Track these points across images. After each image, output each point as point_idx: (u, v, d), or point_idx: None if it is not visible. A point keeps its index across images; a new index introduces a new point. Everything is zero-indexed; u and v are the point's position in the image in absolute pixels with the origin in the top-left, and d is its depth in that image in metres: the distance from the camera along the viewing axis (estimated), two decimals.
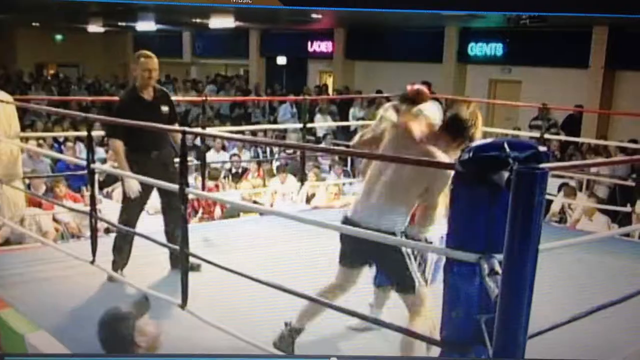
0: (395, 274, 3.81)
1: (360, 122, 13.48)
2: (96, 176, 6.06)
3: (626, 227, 6.79)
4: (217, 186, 9.14)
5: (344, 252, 4.05)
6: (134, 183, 5.38)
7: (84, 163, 5.62)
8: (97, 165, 5.87)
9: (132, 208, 5.58)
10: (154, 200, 8.11)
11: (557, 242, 3.36)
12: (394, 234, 3.70)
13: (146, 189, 5.47)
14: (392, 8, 6.47)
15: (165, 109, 5.68)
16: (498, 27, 15.14)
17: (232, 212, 8.19)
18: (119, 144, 5.40)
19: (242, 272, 4.81)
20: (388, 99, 14.26)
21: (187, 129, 4.48)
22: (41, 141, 10.56)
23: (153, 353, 3.16)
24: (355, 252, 3.97)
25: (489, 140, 2.77)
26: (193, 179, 8.72)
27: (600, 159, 9.45)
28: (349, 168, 11.08)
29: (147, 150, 5.47)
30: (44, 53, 22.57)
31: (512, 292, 2.47)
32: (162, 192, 5.55)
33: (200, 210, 8.56)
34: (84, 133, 5.94)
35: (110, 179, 9.11)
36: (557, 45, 14.17)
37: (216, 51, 21.33)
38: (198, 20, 17.20)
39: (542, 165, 2.42)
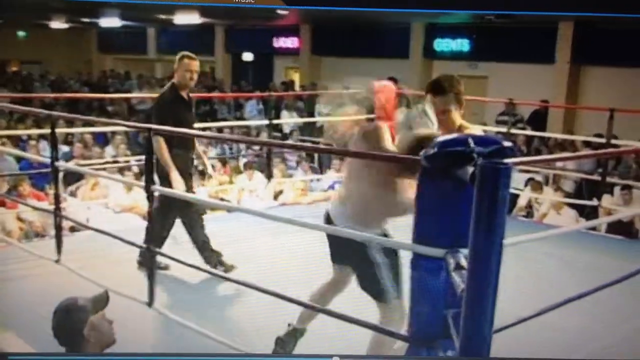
0: (365, 281, 3.75)
1: (327, 119, 13.50)
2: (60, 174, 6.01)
3: (593, 221, 6.86)
4: None
5: (330, 250, 3.99)
6: (180, 183, 5.41)
7: (48, 161, 5.57)
8: (61, 163, 5.81)
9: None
10: (120, 198, 8.10)
11: (523, 237, 3.38)
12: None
13: (187, 186, 5.52)
14: (392, 8, 6.53)
15: (193, 110, 5.90)
16: (464, 23, 15.20)
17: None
18: (160, 139, 5.39)
19: (209, 270, 4.80)
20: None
21: (153, 126, 4.45)
22: (4, 139, 10.41)
23: (152, 353, 3.18)
24: (335, 250, 3.93)
25: (453, 135, 2.78)
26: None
27: (564, 154, 9.53)
28: (316, 164, 11.07)
29: (187, 148, 5.62)
30: (7, 50, 22.18)
31: (477, 287, 2.47)
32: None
33: None
34: (47, 131, 5.86)
35: (74, 177, 9.00)
36: (523, 40, 14.25)
37: (181, 47, 20.71)
38: (163, 17, 17.07)
39: (505, 160, 2.43)
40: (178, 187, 5.38)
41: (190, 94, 5.82)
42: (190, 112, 5.76)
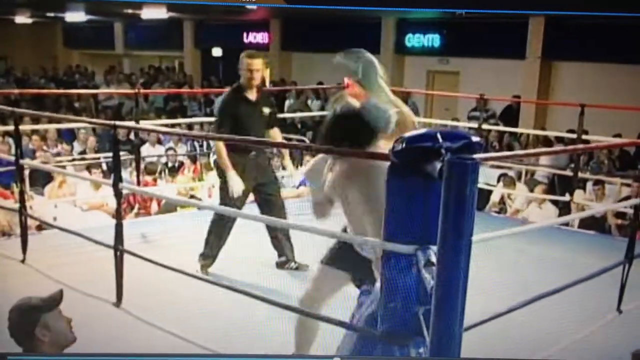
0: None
1: (298, 115, 13.49)
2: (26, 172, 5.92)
3: (566, 217, 6.88)
4: (155, 180, 8.99)
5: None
6: (236, 183, 5.38)
7: (13, 159, 5.50)
8: (26, 161, 5.73)
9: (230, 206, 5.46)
10: (87, 195, 8.00)
11: (492, 233, 3.37)
12: None
13: (245, 191, 5.46)
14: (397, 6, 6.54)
15: (267, 110, 5.72)
16: (435, 18, 15.23)
17: (169, 207, 8.07)
18: (221, 144, 5.46)
19: (179, 269, 4.74)
20: (325, 90, 14.34)
21: (117, 122, 4.39)
22: None
23: (153, 353, 3.17)
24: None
25: (422, 130, 2.75)
26: (128, 174, 8.57)
27: (533, 150, 9.55)
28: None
29: (246, 151, 5.50)
30: None
31: (446, 283, 2.46)
32: (258, 194, 5.62)
33: (137, 206, 8.41)
34: (11, 127, 5.77)
35: (45, 176, 8.83)
36: (493, 36, 14.30)
37: (149, 43, 20.87)
38: (130, 11, 16.94)
39: (473, 156, 2.42)
40: (234, 186, 5.37)
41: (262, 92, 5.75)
42: (255, 114, 5.61)
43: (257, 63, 5.54)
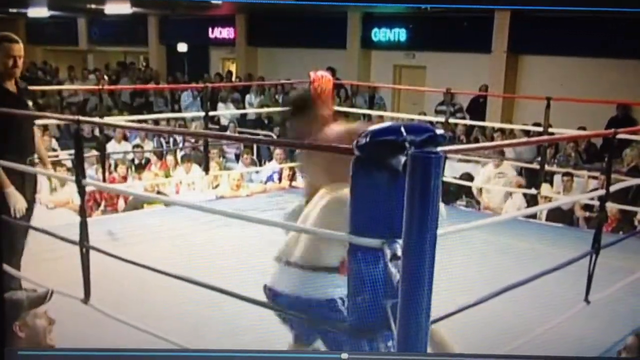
0: None
1: (264, 110, 13.45)
2: None
3: (534, 207, 6.95)
4: (124, 177, 8.94)
5: None
6: (18, 200, 4.59)
7: None
8: None
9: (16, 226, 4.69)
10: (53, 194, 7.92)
11: (459, 225, 3.38)
12: None
13: (29, 202, 4.71)
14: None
15: (29, 105, 4.94)
16: (401, 12, 15.25)
17: (135, 203, 8.03)
18: None
19: (147, 265, 4.72)
20: (292, 85, 14.37)
21: (81, 118, 4.32)
22: None
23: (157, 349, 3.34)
24: None
25: (386, 124, 2.75)
26: (94, 171, 8.51)
27: (500, 142, 9.60)
28: (254, 156, 11.00)
29: (22, 155, 4.70)
30: None
31: (412, 276, 2.47)
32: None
33: (103, 203, 8.35)
34: None
35: None
36: (459, 30, 14.33)
37: (114, 38, 20.56)
38: (93, 6, 16.80)
39: (437, 149, 2.43)
40: (16, 204, 4.57)
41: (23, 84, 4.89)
42: (20, 107, 4.68)
43: (20, 49, 4.67)
